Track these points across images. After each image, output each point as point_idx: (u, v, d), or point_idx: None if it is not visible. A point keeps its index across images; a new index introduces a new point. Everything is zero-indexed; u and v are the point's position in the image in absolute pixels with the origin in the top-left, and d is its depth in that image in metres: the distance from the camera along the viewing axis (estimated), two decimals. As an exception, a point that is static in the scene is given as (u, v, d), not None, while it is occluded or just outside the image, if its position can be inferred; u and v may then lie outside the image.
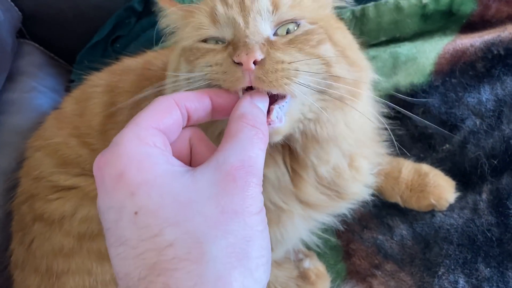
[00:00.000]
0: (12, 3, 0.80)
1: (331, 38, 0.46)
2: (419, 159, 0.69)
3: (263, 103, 0.41)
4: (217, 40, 0.46)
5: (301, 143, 0.50)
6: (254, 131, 0.36)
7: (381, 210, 0.67)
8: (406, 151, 0.69)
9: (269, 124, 0.42)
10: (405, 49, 0.75)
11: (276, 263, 0.65)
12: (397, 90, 0.72)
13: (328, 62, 0.45)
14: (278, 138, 0.45)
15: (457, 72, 0.70)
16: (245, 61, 0.40)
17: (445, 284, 0.60)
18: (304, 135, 0.49)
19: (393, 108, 0.69)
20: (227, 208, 0.32)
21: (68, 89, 0.83)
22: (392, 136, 0.67)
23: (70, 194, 0.62)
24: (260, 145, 0.36)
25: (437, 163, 0.68)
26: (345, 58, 0.47)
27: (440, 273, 0.61)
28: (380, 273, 0.64)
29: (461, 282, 0.60)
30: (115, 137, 0.36)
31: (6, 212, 0.69)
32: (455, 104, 0.69)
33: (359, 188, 0.62)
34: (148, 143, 0.35)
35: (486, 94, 0.68)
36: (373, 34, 0.76)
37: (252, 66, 0.40)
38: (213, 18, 0.45)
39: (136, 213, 0.32)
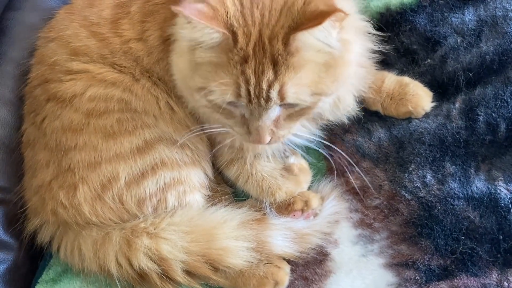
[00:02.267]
0: None
1: (324, 94, 0.55)
2: (402, 72, 0.74)
3: None
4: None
5: None
6: None
7: (363, 117, 0.73)
8: (391, 65, 0.75)
9: None
10: None
11: (264, 157, 0.71)
12: (388, 9, 0.77)
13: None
14: None
15: (444, -7, 0.75)
16: (258, 143, 0.57)
17: (414, 178, 0.67)
18: None
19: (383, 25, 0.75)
20: None
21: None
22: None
23: (81, 76, 0.68)
24: None
25: (418, 76, 0.73)
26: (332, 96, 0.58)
27: (410, 169, 0.67)
28: (356, 169, 0.70)
29: (428, 176, 0.66)
30: None
31: (19, 96, 0.75)
32: (440, 23, 0.74)
33: (339, 116, 0.68)
34: None
35: (469, 15, 0.73)
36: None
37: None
38: (237, 94, 0.52)
39: None
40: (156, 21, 0.67)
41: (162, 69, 0.67)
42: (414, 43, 0.75)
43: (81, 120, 0.66)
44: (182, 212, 0.67)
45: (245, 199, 0.73)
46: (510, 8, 0.71)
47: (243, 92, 0.52)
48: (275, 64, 0.52)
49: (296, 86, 0.52)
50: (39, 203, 0.70)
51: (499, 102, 0.67)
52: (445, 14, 0.74)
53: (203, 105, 0.57)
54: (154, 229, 0.65)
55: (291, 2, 0.52)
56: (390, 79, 0.73)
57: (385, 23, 0.76)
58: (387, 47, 0.74)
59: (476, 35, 0.72)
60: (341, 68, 0.55)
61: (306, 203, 0.68)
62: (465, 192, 0.64)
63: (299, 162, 0.73)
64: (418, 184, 0.66)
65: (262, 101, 0.53)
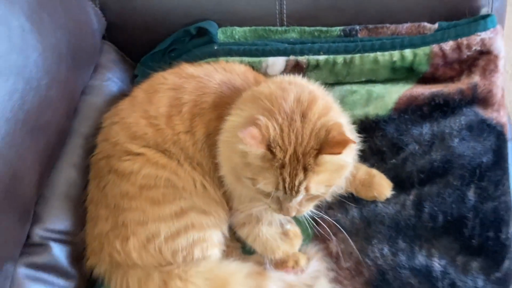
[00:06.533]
0: (101, 14, 1.10)
1: (333, 186, 0.81)
2: (372, 166, 0.98)
3: None
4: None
5: None
6: None
7: (343, 197, 0.98)
8: (365, 159, 1.00)
9: None
10: (377, 89, 1.04)
11: (267, 224, 0.95)
12: (367, 118, 1.02)
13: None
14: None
15: (409, 111, 0.99)
16: (286, 215, 0.81)
17: (375, 250, 0.90)
18: None
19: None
20: None
21: (133, 82, 1.14)
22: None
23: (137, 158, 0.91)
24: None
25: (384, 171, 0.98)
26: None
27: (373, 242, 0.91)
28: (335, 238, 0.94)
29: (385, 250, 0.90)
30: None
31: (85, 164, 1.00)
32: (404, 133, 0.98)
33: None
34: None
35: (426, 129, 0.98)
36: (356, 75, 1.06)
37: None
38: (277, 187, 0.76)
39: None
40: (202, 120, 0.89)
41: (202, 156, 0.90)
42: (383, 146, 0.98)
43: (135, 191, 0.89)
44: (204, 263, 0.90)
45: (251, 253, 0.97)
46: (455, 128, 0.95)
47: (280, 186, 0.76)
48: (305, 170, 0.75)
49: (317, 184, 0.77)
50: (98, 247, 0.92)
51: (440, 199, 0.91)
52: (409, 126, 0.98)
53: (248, 186, 0.80)
54: (184, 275, 0.87)
55: (317, 130, 0.76)
56: (362, 170, 0.96)
57: (363, 128, 1.00)
58: (364, 147, 1.00)
59: (429, 145, 0.96)
60: (346, 170, 0.81)
61: (296, 262, 0.92)
62: (410, 264, 0.88)
63: (293, 229, 0.96)
64: (378, 255, 0.90)
65: (293, 193, 0.76)
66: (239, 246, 0.99)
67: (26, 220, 0.89)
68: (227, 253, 0.95)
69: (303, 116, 0.77)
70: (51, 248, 0.93)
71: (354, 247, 0.92)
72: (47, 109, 0.85)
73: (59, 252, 0.94)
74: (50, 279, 0.92)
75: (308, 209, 0.84)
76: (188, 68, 0.97)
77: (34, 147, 0.83)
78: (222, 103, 0.90)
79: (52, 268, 0.93)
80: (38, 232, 0.93)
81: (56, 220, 0.95)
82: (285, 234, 0.95)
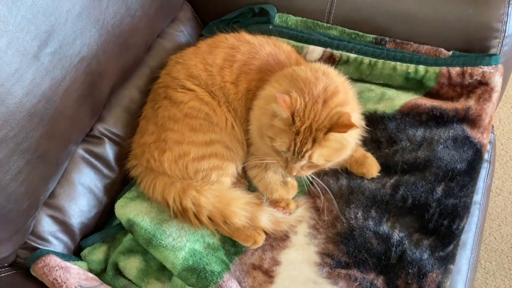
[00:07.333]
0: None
1: (332, 161, 1.03)
2: (369, 151, 1.20)
3: None
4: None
5: None
6: None
7: (337, 169, 1.20)
8: (365, 144, 1.22)
9: None
10: (390, 92, 1.25)
11: (273, 171, 1.19)
12: (375, 112, 1.23)
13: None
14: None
15: (410, 115, 1.20)
16: (289, 173, 1.02)
17: (351, 212, 1.12)
18: None
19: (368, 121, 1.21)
20: None
21: (198, 38, 1.39)
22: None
23: (189, 92, 1.15)
24: None
25: (377, 157, 1.19)
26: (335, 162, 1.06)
27: (351, 206, 1.13)
28: (322, 197, 1.16)
29: (359, 214, 1.12)
30: None
31: (147, 88, 1.26)
32: (401, 131, 1.20)
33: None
34: None
35: (419, 132, 1.19)
36: (376, 77, 1.27)
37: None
38: (288, 148, 0.99)
39: None
40: (246, 78, 1.13)
41: (239, 104, 1.13)
42: (382, 137, 1.19)
43: (180, 117, 1.13)
44: (217, 185, 1.12)
45: (253, 191, 1.21)
46: (442, 137, 1.15)
47: (291, 149, 0.98)
48: (314, 142, 0.97)
49: (319, 155, 0.99)
50: (140, 153, 1.17)
51: (414, 187, 1.12)
52: (406, 127, 1.19)
53: (266, 144, 1.03)
54: (200, 188, 1.10)
55: (332, 114, 0.98)
56: (359, 151, 1.16)
57: (370, 120, 1.22)
58: (366, 135, 1.22)
59: (418, 145, 1.16)
60: (344, 152, 1.03)
61: (287, 204, 1.14)
62: (375, 229, 1.09)
63: (292, 182, 1.19)
64: (352, 216, 1.12)
65: (299, 157, 0.99)
66: (245, 183, 1.21)
67: (95, 115, 1.15)
68: (235, 185, 1.18)
69: (325, 102, 1.00)
70: (105, 143, 1.20)
71: (336, 206, 1.14)
72: (133, 34, 1.11)
73: (109, 149, 1.21)
74: (98, 166, 1.19)
75: (307, 174, 1.06)
76: (246, 35, 1.21)
77: (117, 60, 1.09)
78: (265, 70, 1.14)
79: (102, 159, 1.19)
80: (99, 128, 1.19)
81: (115, 124, 1.22)
82: (284, 183, 1.18)
